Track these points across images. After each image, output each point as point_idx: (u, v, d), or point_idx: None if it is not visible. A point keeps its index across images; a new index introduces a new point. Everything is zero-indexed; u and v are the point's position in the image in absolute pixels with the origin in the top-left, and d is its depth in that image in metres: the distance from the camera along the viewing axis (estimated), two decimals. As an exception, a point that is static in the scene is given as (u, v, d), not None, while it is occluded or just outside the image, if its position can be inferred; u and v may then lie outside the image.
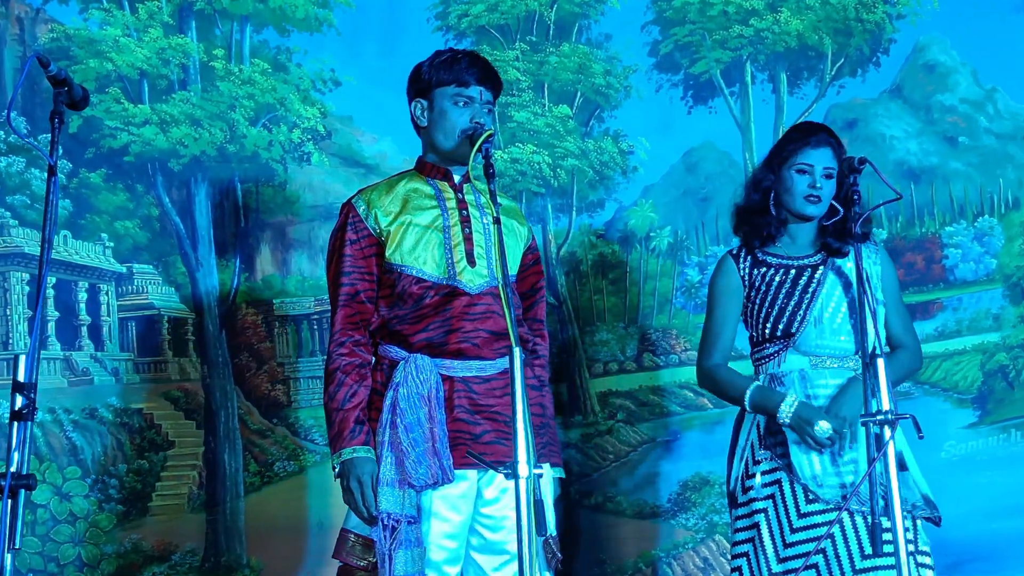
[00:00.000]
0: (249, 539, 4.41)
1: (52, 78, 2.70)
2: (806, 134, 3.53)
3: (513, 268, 3.27)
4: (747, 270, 3.56)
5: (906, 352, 3.59)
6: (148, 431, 4.38)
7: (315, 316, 4.59)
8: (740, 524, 3.47)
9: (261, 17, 4.59)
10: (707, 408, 4.74)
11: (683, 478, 4.71)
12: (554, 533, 3.16)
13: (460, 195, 3.24)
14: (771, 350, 3.51)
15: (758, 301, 3.53)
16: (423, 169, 3.29)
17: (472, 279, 3.16)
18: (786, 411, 3.35)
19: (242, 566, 4.40)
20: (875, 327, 3.41)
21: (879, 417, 3.00)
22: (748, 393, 3.44)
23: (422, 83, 3.24)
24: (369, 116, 4.60)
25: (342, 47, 4.63)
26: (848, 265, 3.51)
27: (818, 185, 3.45)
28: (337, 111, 4.64)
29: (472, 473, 3.14)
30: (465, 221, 3.20)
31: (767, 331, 3.50)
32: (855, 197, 3.29)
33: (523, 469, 2.54)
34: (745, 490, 3.45)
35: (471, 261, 3.16)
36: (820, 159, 3.48)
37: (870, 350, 3.45)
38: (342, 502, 3.10)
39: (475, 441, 3.11)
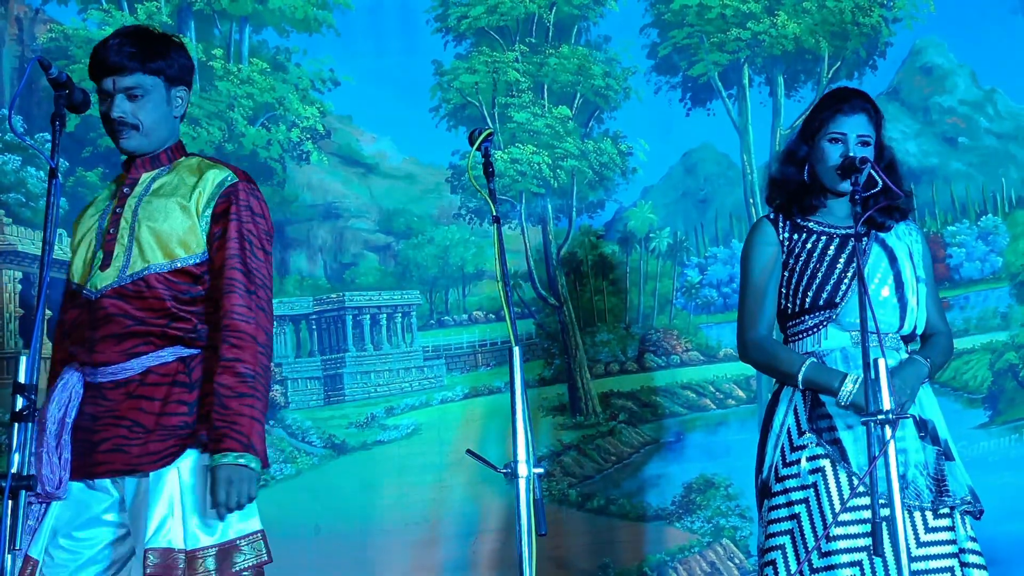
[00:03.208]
0: (243, 543, 4.29)
1: (53, 81, 2.73)
2: (838, 101, 3.34)
3: (179, 255, 2.99)
4: (786, 234, 3.36)
5: (944, 338, 3.44)
6: (140, 433, 4.29)
7: (313, 316, 4.54)
8: (776, 515, 3.23)
9: (260, 18, 4.62)
10: (710, 409, 4.68)
11: (687, 480, 4.63)
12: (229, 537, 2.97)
13: (126, 188, 3.08)
14: (810, 323, 3.31)
15: (798, 269, 3.33)
16: None
17: (97, 283, 3.01)
18: (848, 392, 3.13)
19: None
20: (916, 305, 3.32)
21: (879, 417, 2.85)
22: (803, 369, 3.21)
23: None
24: (368, 116, 4.62)
25: (341, 47, 4.65)
26: (892, 239, 3.36)
27: (851, 154, 3.22)
28: (336, 111, 4.65)
29: (108, 483, 2.98)
30: (115, 219, 3.04)
31: (807, 301, 3.30)
32: (890, 171, 3.22)
33: (523, 469, 2.60)
34: (780, 479, 3.22)
35: (106, 263, 3.01)
36: (854, 126, 3.30)
37: (909, 330, 3.35)
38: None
39: (94, 451, 2.94)
